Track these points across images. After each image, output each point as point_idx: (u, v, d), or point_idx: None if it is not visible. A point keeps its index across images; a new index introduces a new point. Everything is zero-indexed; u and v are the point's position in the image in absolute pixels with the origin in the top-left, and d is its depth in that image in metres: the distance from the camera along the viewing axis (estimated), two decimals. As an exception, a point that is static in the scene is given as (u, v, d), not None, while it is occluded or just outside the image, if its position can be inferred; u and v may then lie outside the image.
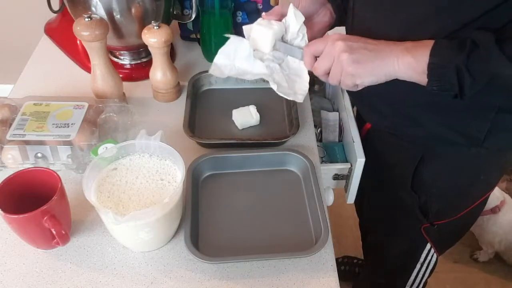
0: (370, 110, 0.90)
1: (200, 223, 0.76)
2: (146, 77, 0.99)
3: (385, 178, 0.96)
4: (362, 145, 0.94)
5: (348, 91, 0.95)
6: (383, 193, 0.99)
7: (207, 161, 0.83)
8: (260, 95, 1.01)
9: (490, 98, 0.72)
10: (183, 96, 0.99)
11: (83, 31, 0.84)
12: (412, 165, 0.87)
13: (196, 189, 0.81)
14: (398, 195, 0.93)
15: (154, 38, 0.89)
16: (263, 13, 0.80)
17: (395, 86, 0.70)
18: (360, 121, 0.99)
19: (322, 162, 0.99)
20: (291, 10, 0.76)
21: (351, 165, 0.98)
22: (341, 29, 0.85)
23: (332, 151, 1.05)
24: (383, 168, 0.95)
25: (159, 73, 0.95)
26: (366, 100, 0.89)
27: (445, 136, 0.79)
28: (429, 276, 1.07)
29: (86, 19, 0.84)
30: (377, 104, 0.85)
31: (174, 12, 1.07)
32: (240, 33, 1.12)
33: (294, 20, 0.75)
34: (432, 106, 0.76)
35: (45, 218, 0.65)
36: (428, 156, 0.85)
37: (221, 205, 0.80)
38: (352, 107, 1.02)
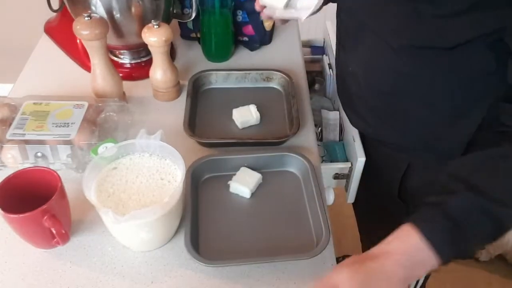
0: (356, 117, 0.90)
1: (200, 225, 0.76)
2: (146, 76, 0.99)
3: (375, 187, 0.95)
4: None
5: (339, 97, 0.95)
6: (374, 201, 0.98)
7: (206, 163, 0.83)
8: (261, 94, 1.01)
9: (474, 111, 0.72)
10: (183, 95, 0.99)
11: (83, 30, 0.84)
12: (398, 173, 0.86)
13: (196, 191, 0.80)
14: (387, 203, 0.92)
15: (154, 37, 0.89)
16: None
17: (380, 94, 0.71)
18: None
19: (322, 161, 0.99)
20: None
21: (352, 164, 0.98)
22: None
23: (333, 150, 1.05)
24: (372, 176, 0.94)
25: (159, 72, 0.95)
26: (353, 106, 0.88)
27: (431, 145, 0.79)
28: (426, 280, 1.06)
29: (86, 18, 0.84)
30: (362, 111, 0.85)
31: (174, 11, 1.06)
32: (239, 32, 1.12)
33: None
34: (417, 116, 0.76)
35: (45, 218, 0.65)
36: (414, 164, 0.84)
37: (221, 207, 0.79)
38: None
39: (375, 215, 1.03)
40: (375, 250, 0.59)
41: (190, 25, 1.13)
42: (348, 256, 1.83)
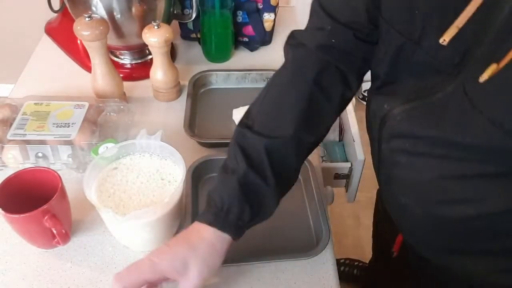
0: (417, 244, 0.72)
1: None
2: (147, 76, 0.99)
3: None
4: (392, 269, 0.87)
5: (395, 217, 0.72)
6: None
7: (206, 163, 0.83)
8: (261, 95, 1.01)
9: None
10: (184, 96, 0.99)
11: (83, 30, 0.84)
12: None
13: (196, 191, 0.81)
14: None
15: (155, 37, 0.89)
16: None
17: (448, 230, 0.60)
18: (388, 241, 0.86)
19: (322, 161, 0.99)
20: None
21: (352, 165, 0.98)
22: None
23: (333, 150, 1.05)
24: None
25: (160, 72, 0.95)
26: (413, 236, 0.71)
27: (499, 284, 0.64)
28: None
29: (87, 19, 0.84)
30: (426, 240, 0.68)
31: (175, 12, 1.07)
32: (240, 32, 1.12)
33: None
34: (488, 253, 0.61)
35: (45, 218, 0.65)
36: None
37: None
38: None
39: None
40: None
41: (191, 26, 1.13)
42: (350, 258, 1.78)
